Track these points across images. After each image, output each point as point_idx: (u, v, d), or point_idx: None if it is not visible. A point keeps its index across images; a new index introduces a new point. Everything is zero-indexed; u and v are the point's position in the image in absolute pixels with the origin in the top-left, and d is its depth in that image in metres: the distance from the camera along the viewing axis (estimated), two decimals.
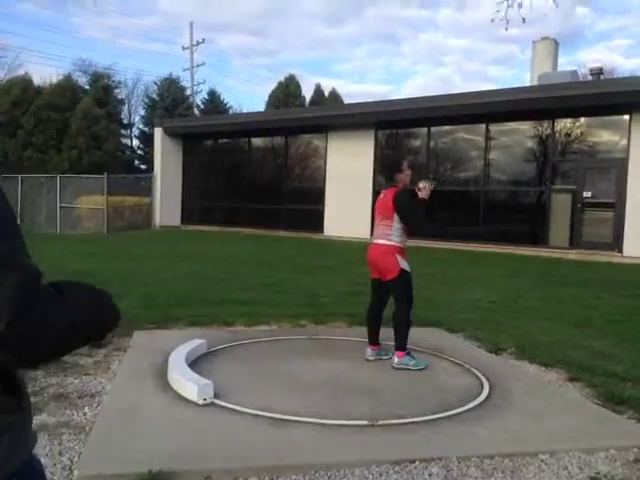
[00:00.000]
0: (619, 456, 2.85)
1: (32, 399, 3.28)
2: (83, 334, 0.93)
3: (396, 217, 4.27)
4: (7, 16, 52.23)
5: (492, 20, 7.85)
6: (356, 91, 58.83)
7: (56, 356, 0.92)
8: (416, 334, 4.54)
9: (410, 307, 4.28)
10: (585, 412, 3.45)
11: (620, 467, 2.74)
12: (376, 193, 15.59)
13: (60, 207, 18.93)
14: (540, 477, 2.62)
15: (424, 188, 4.29)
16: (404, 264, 4.26)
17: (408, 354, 4.24)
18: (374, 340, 4.48)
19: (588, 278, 9.66)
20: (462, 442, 2.94)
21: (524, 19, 7.71)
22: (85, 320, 0.91)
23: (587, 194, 12.74)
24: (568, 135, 13.83)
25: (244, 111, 32.83)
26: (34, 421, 2.97)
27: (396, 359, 4.22)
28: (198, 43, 33.06)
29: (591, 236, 12.64)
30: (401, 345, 4.22)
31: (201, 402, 3.32)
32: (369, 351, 4.48)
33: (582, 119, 13.40)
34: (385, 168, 4.86)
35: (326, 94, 32.61)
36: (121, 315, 1.01)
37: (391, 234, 4.28)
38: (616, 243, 12.30)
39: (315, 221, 16.73)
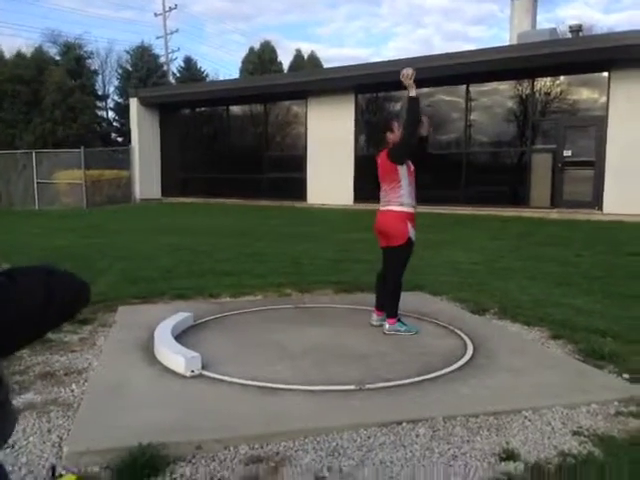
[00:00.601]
0: (600, 410, 2.93)
1: (18, 378, 3.30)
2: (47, 318, 0.90)
3: (401, 174, 4.20)
4: None
5: None
6: (335, 55, 58.05)
7: (25, 343, 0.90)
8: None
9: (402, 275, 4.30)
10: (567, 368, 3.53)
11: (602, 421, 2.82)
12: (358, 158, 15.58)
13: (37, 183, 18.58)
14: (524, 433, 2.68)
15: (408, 74, 4.19)
16: (412, 233, 4.24)
17: (399, 320, 4.28)
18: (381, 305, 4.49)
19: (569, 237, 9.80)
20: (447, 402, 3.00)
21: None
22: (44, 304, 0.88)
23: (567, 153, 12.81)
24: (548, 94, 13.80)
25: (221, 78, 32.19)
26: (21, 399, 2.96)
27: (387, 325, 4.26)
28: (170, 9, 32.21)
29: (572, 195, 12.77)
30: (392, 312, 4.26)
31: (189, 374, 3.33)
32: (374, 316, 4.51)
33: (562, 77, 13.37)
34: (377, 130, 4.75)
35: (306, 59, 32.06)
36: (89, 289, 0.98)
37: (402, 196, 4.20)
38: (596, 201, 12.45)
39: (298, 189, 16.65)
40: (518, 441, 2.61)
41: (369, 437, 2.65)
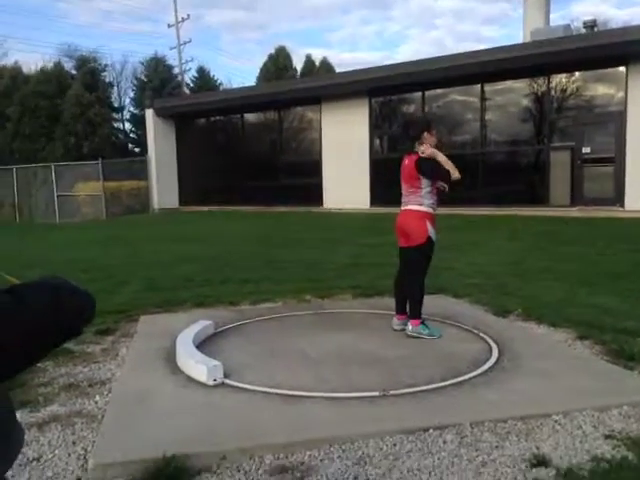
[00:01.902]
0: (633, 412, 2.85)
1: (43, 390, 3.32)
2: (50, 337, 0.86)
3: (424, 181, 4.17)
4: None
5: None
6: (348, 60, 57.83)
7: (25, 366, 0.86)
8: None
9: (424, 275, 4.23)
10: (596, 370, 3.45)
11: (634, 423, 2.74)
12: (374, 161, 15.54)
13: (57, 196, 18.85)
14: (555, 438, 2.62)
15: (427, 147, 4.17)
16: (432, 232, 4.19)
17: (422, 322, 4.20)
18: (401, 309, 4.43)
19: (591, 235, 9.63)
20: (474, 407, 2.94)
21: None
22: (49, 323, 0.84)
23: (586, 150, 12.61)
24: (564, 91, 13.62)
25: (235, 87, 32.36)
26: (46, 412, 2.95)
27: (410, 327, 4.19)
28: (183, 20, 32.48)
29: (592, 192, 12.56)
30: (415, 313, 4.19)
31: (211, 383, 3.31)
32: (395, 320, 4.45)
33: (577, 73, 13.19)
34: (412, 127, 4.67)
35: (317, 64, 32.09)
36: (95, 305, 0.94)
37: (422, 197, 4.18)
38: (617, 198, 12.23)
39: (314, 194, 16.63)
40: (549, 446, 2.54)
41: (395, 445, 2.60)
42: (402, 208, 4.35)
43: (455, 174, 4.14)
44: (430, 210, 4.23)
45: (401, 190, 4.36)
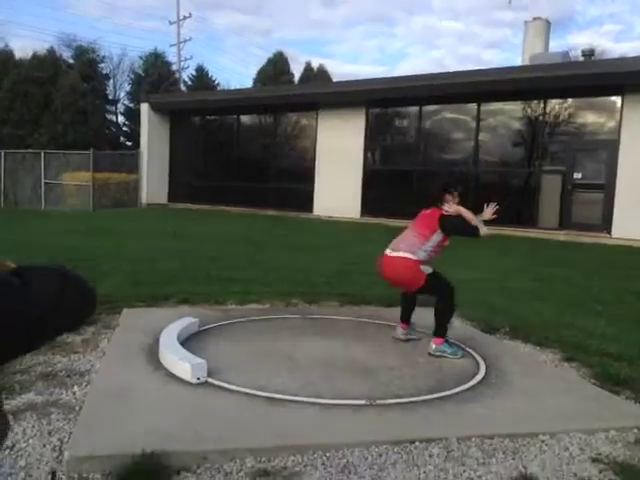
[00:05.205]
0: (619, 437, 2.83)
1: (19, 377, 3.21)
2: (52, 323, 0.82)
3: (436, 236, 4.07)
4: None
5: None
6: (349, 71, 58.31)
7: (24, 351, 0.82)
8: None
9: (453, 292, 4.10)
10: (583, 392, 3.42)
11: (621, 448, 2.71)
12: (367, 172, 15.55)
13: (44, 183, 18.59)
14: (542, 458, 2.58)
15: (451, 206, 4.16)
16: (427, 269, 4.07)
17: (446, 341, 4.07)
18: (406, 318, 4.38)
19: (578, 259, 9.70)
20: (461, 422, 2.90)
21: None
22: (52, 308, 0.80)
23: (577, 175, 12.75)
24: (559, 116, 13.77)
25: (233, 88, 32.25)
26: (22, 399, 2.86)
27: (434, 345, 4.04)
28: (185, 18, 32.44)
29: (580, 217, 12.68)
30: (441, 332, 4.06)
31: (194, 381, 3.24)
32: (399, 329, 4.39)
33: (574, 100, 13.34)
34: (436, 187, 4.49)
35: (315, 72, 32.11)
36: (96, 297, 0.91)
37: (422, 248, 4.04)
38: (605, 225, 12.36)
39: (305, 200, 16.60)
40: (536, 466, 2.50)
41: (380, 455, 2.55)
42: (389, 252, 4.16)
43: (483, 230, 4.09)
44: (423, 259, 4.07)
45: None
